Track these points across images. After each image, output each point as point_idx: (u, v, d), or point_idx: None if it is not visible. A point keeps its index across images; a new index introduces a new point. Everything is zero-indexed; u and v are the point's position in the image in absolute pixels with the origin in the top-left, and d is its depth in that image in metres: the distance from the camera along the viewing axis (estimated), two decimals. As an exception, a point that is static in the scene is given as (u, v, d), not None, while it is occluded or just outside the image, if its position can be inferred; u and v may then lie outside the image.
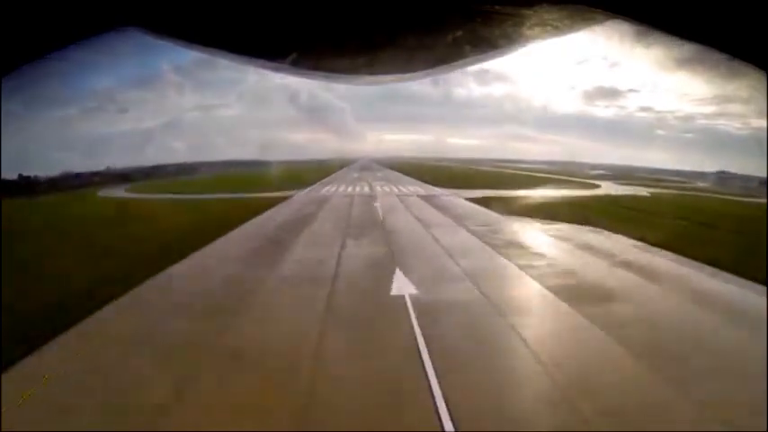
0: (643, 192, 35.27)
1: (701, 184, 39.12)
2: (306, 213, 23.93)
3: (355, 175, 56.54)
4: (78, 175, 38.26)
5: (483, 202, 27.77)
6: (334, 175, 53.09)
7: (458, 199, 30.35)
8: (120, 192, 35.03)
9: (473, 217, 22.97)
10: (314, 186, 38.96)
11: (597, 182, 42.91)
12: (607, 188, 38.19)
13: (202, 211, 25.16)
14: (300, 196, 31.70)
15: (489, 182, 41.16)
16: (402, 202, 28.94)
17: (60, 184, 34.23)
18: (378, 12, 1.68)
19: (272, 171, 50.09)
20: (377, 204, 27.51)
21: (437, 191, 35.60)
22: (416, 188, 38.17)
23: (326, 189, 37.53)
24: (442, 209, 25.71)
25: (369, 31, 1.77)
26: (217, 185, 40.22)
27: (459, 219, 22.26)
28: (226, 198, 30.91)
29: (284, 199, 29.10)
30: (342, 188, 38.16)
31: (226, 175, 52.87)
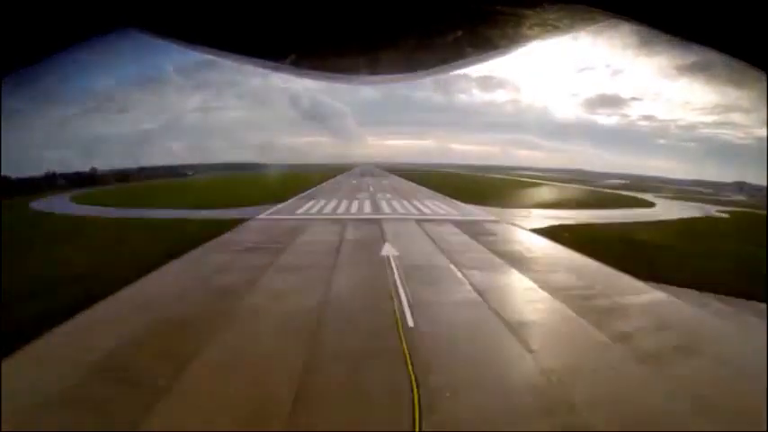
0: (713, 212, 27.20)
1: (740, 198, 33.25)
2: (226, 287, 10.47)
3: (354, 182, 46.17)
4: (53, 176, 36.13)
5: (561, 238, 16.32)
6: (327, 183, 43.22)
7: (518, 231, 18.28)
8: (59, 202, 26.88)
9: (631, 308, 9.61)
10: (295, 199, 28.37)
11: (639, 195, 34.64)
12: (667, 207, 28.59)
13: (93, 252, 14.16)
14: (262, 222, 20.31)
15: (522, 195, 32.21)
16: (436, 244, 15.30)
17: (40, 185, 32.41)
18: (379, 12, 1.69)
19: (260, 175, 45.72)
20: (388, 252, 13.93)
21: (470, 211, 24.74)
22: (441, 205, 26.66)
23: (308, 207, 25.30)
24: (523, 266, 12.51)
25: (370, 31, 1.78)
26: (179, 195, 31.93)
27: (614, 323, 8.62)
28: (160, 219, 20.73)
29: (235, 225, 18.37)
30: (332, 205, 26.12)
31: (206, 179, 47.19)
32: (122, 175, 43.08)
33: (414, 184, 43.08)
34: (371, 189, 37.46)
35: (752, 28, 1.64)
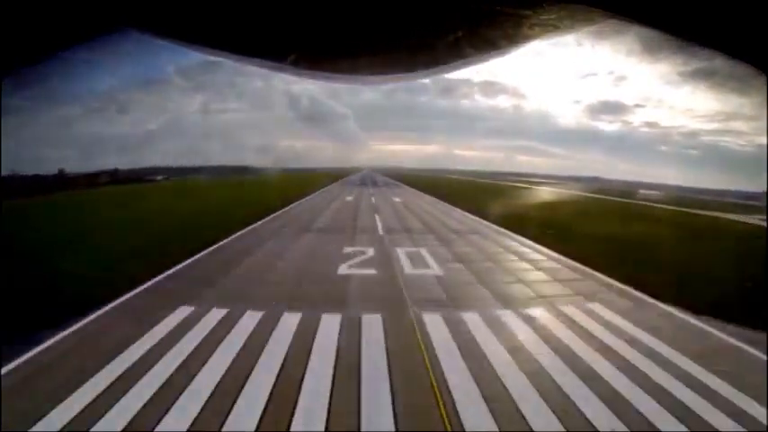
0: None
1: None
2: None
3: (349, 198, 30.77)
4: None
5: None
6: (306, 200, 28.20)
7: None
8: None
9: None
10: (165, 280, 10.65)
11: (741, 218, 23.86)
12: None
13: None
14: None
15: (603, 224, 19.09)
16: None
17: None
18: (378, 12, 1.69)
19: (234, 183, 40.18)
20: None
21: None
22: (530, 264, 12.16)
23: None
24: None
25: (369, 31, 1.78)
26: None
27: None
28: None
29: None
30: (271, 288, 9.57)
31: (157, 187, 40.26)
32: (72, 181, 38.67)
33: (447, 205, 26.40)
34: (379, 224, 18.88)
35: (753, 28, 1.63)
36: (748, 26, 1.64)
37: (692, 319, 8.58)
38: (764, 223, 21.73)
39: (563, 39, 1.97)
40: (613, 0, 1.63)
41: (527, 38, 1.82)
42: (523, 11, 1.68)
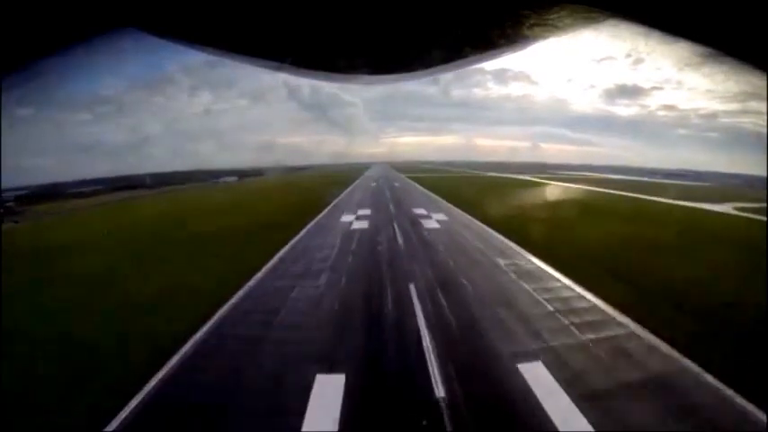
0: None
1: None
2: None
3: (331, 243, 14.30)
4: None
5: None
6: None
7: None
8: None
9: None
10: None
11: None
12: None
13: None
14: None
15: None
16: None
17: None
18: (378, 12, 1.69)
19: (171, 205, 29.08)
20: None
21: None
22: None
23: None
24: None
25: (369, 31, 1.78)
26: None
27: None
28: None
29: None
30: None
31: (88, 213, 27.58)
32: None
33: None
34: None
35: (752, 28, 1.63)
36: (749, 27, 1.63)
37: None
38: None
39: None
40: (614, 0, 1.63)
41: (527, 38, 1.82)
42: (523, 11, 1.68)
